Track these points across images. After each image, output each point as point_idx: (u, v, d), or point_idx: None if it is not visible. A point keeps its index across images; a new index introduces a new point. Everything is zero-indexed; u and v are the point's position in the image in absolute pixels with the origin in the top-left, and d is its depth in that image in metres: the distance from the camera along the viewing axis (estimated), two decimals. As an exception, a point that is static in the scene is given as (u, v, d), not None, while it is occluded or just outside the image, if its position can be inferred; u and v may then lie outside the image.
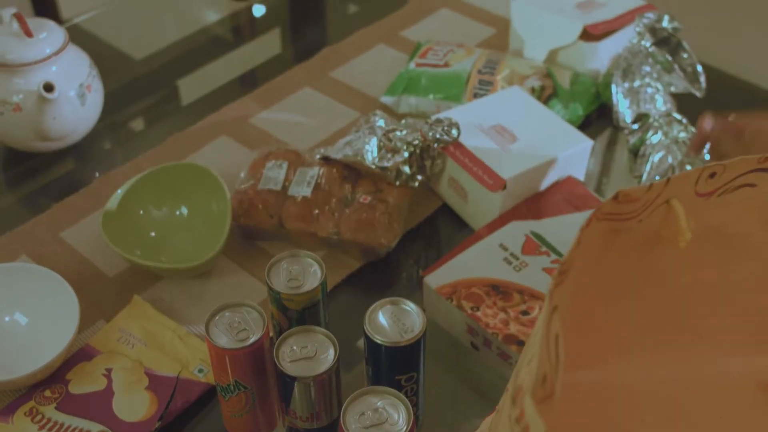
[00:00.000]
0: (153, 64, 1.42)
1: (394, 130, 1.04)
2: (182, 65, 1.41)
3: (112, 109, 1.29)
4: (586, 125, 1.25)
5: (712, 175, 0.59)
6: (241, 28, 1.52)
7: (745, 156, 0.58)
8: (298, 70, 1.33)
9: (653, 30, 1.19)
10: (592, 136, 1.23)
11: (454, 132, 1.04)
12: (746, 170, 0.59)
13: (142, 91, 1.36)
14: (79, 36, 1.45)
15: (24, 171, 1.21)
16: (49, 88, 1.11)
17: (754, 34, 2.83)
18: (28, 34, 1.15)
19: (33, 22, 1.17)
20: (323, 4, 1.57)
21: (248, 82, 1.36)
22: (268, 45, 1.46)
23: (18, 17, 1.15)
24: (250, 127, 1.23)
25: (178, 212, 1.07)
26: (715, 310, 0.64)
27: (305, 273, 0.84)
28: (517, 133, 1.07)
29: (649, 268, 0.62)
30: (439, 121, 1.04)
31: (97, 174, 1.20)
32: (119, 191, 1.04)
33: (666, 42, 1.20)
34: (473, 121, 1.08)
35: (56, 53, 1.15)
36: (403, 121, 1.07)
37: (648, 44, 1.19)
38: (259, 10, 1.54)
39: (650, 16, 1.20)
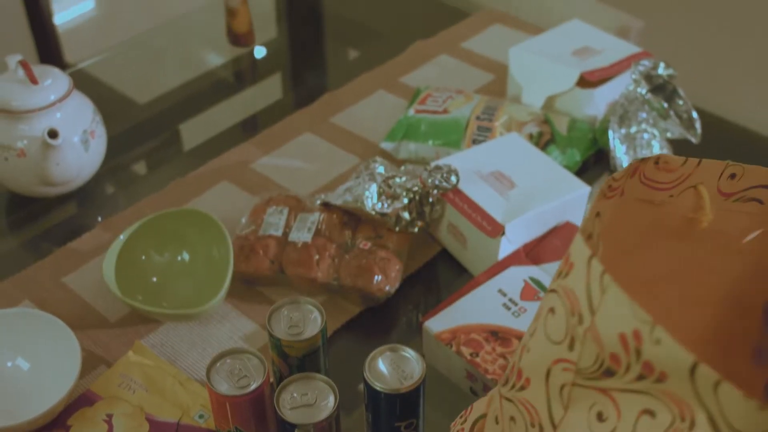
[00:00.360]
0: (156, 108, 1.44)
1: (393, 177, 1.06)
2: (184, 109, 1.43)
3: (114, 153, 1.30)
4: (583, 170, 1.26)
5: (732, 176, 0.61)
6: (242, 73, 1.54)
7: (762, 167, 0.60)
8: (298, 116, 1.35)
9: (649, 77, 1.21)
10: (590, 180, 1.24)
11: (453, 179, 1.05)
12: (758, 183, 0.61)
13: (145, 135, 1.37)
14: (83, 81, 1.47)
15: (26, 215, 1.22)
16: (53, 134, 1.12)
17: (748, 79, 2.86)
18: (33, 81, 1.16)
19: (38, 69, 1.19)
20: (323, 49, 1.59)
21: (250, 127, 1.37)
22: (269, 90, 1.48)
23: (23, 65, 1.17)
24: (251, 172, 1.24)
25: (179, 257, 1.08)
26: None
27: (305, 320, 0.85)
28: (515, 180, 1.08)
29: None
30: (438, 167, 1.05)
31: (99, 218, 1.21)
32: (121, 237, 1.05)
33: (662, 89, 1.22)
34: (472, 168, 1.09)
35: (61, 100, 1.17)
36: (403, 168, 1.08)
37: (644, 91, 1.20)
38: (260, 54, 1.56)
39: (646, 63, 1.21)
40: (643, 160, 0.63)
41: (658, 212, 0.66)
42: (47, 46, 2.64)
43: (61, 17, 3.18)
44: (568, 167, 1.22)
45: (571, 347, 0.55)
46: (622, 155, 1.23)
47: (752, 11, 3.23)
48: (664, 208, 0.65)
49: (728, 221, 0.66)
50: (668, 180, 0.64)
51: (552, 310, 0.59)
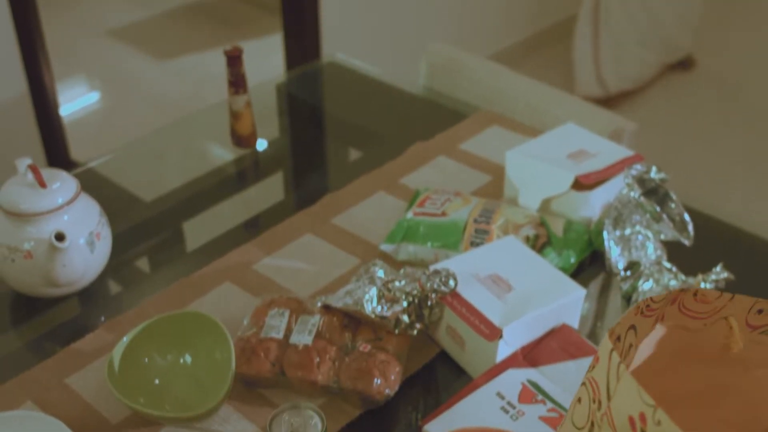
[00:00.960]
0: (160, 207, 1.47)
1: (393, 280, 1.08)
2: (189, 208, 1.46)
3: (119, 251, 1.32)
4: (579, 271, 1.28)
5: (760, 311, 0.67)
6: (245, 173, 1.58)
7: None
8: (300, 217, 1.38)
9: (642, 181, 1.24)
10: (586, 281, 1.27)
11: (452, 282, 1.07)
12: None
13: (150, 234, 1.40)
14: (91, 179, 1.51)
15: (31, 315, 1.24)
16: (60, 237, 1.15)
17: (739, 181, 2.91)
18: (42, 184, 1.20)
19: (47, 172, 1.22)
20: (324, 150, 1.63)
21: (252, 227, 1.40)
22: (272, 190, 1.51)
23: (33, 169, 1.20)
24: (253, 273, 1.26)
25: (182, 360, 1.09)
26: None
27: (306, 425, 0.86)
28: (512, 283, 1.10)
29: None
30: (437, 272, 1.07)
31: (102, 319, 1.23)
32: (125, 339, 1.07)
33: (654, 192, 1.25)
34: (470, 271, 1.11)
35: (68, 203, 1.20)
36: (402, 271, 1.11)
37: (637, 195, 1.23)
38: (262, 154, 1.60)
39: (638, 167, 1.25)
40: (684, 290, 0.72)
41: (693, 338, 0.74)
42: (53, 139, 2.69)
43: (67, 108, 3.24)
44: (563, 269, 1.24)
45: None
46: (617, 257, 1.25)
47: (738, 116, 3.31)
48: (698, 335, 0.74)
49: (755, 351, 0.73)
50: (704, 310, 0.73)
51: (579, 400, 0.67)
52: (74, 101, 3.42)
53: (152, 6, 4.10)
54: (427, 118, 1.69)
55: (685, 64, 3.55)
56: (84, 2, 4.14)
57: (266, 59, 3.33)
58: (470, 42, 3.29)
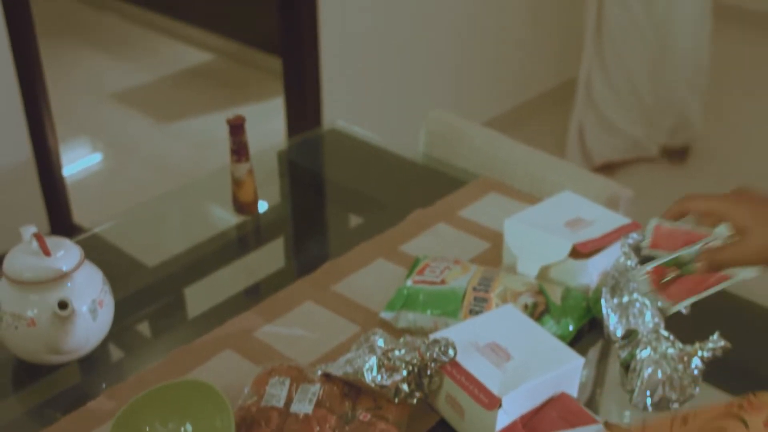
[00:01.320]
0: (162, 272, 1.49)
1: (393, 349, 1.09)
2: (190, 274, 1.48)
3: (121, 316, 1.33)
4: (578, 338, 1.29)
5: (685, 421, 0.64)
6: (246, 239, 1.60)
7: (713, 404, 0.64)
8: (301, 284, 1.39)
9: (638, 249, 1.26)
10: (585, 348, 1.27)
11: (451, 352, 1.08)
12: (715, 416, 0.64)
13: (151, 300, 1.41)
14: (94, 244, 1.52)
15: (32, 382, 1.24)
16: (63, 305, 1.16)
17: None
18: (46, 253, 1.21)
19: (51, 241, 1.24)
20: (325, 217, 1.65)
21: (253, 294, 1.42)
22: (273, 257, 1.53)
23: (37, 237, 1.22)
24: (254, 341, 1.27)
25: (182, 429, 1.10)
26: None
27: (306, 497, 0.86)
28: (511, 351, 1.11)
29: None
30: (436, 341, 1.08)
31: (103, 386, 1.23)
32: (125, 408, 1.07)
33: (650, 260, 1.26)
34: (469, 339, 1.12)
35: (72, 271, 1.21)
36: (402, 340, 1.12)
37: (633, 263, 1.25)
38: (264, 220, 1.62)
39: (634, 236, 1.26)
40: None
41: None
42: (57, 202, 2.72)
43: (69, 169, 3.27)
44: (562, 337, 1.25)
45: None
46: (615, 324, 1.26)
47: (734, 183, 3.34)
48: None
49: None
50: None
51: None
52: (76, 162, 3.46)
53: (155, 70, 4.16)
54: (427, 185, 1.71)
55: (681, 154, 3.53)
56: (87, 65, 4.20)
57: (268, 122, 3.38)
58: (469, 107, 3.34)
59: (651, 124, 3.41)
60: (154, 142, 3.60)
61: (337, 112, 2.80)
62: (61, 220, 2.72)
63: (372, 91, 2.98)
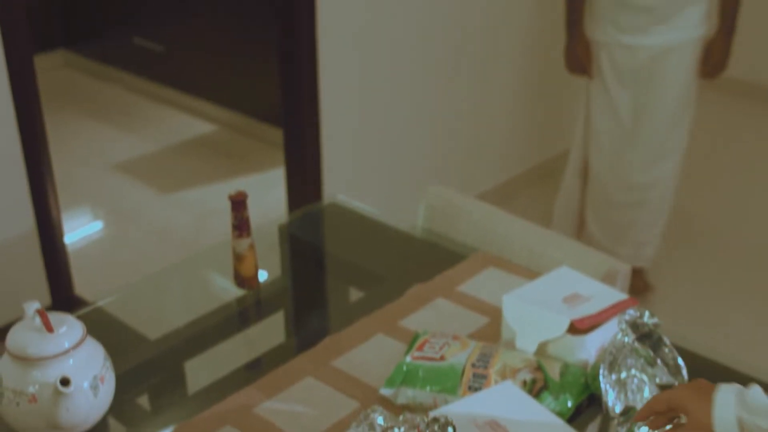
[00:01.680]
0: (164, 345, 1.50)
1: (392, 427, 1.09)
2: (191, 347, 1.49)
3: (123, 391, 1.33)
4: (578, 413, 1.29)
5: None
6: (247, 313, 1.61)
7: None
8: (301, 359, 1.40)
9: (635, 326, 1.27)
10: (584, 424, 1.28)
11: (450, 430, 1.08)
12: None
13: (153, 374, 1.42)
14: (97, 318, 1.54)
15: (32, 458, 1.24)
16: (65, 382, 1.17)
17: (733, 322, 2.94)
18: (49, 329, 1.23)
19: (54, 316, 1.25)
20: (325, 290, 1.67)
21: (253, 369, 1.42)
22: (273, 331, 1.54)
23: (40, 313, 1.23)
24: (254, 417, 1.28)
25: (182, 507, 1.10)
26: None
27: None
28: (510, 429, 1.12)
29: None
30: (435, 419, 1.09)
31: (102, 464, 1.23)
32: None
33: (648, 336, 1.28)
34: (468, 417, 1.13)
35: (74, 347, 1.23)
36: (401, 417, 1.12)
37: (631, 340, 1.26)
38: (264, 295, 1.63)
39: (631, 312, 1.28)
40: None
41: None
42: (58, 273, 2.73)
43: (70, 237, 3.29)
44: (561, 413, 1.25)
45: None
46: (613, 400, 1.27)
47: (731, 257, 3.36)
48: None
49: None
50: None
51: None
52: (78, 231, 3.48)
53: (157, 140, 4.20)
54: (426, 259, 1.73)
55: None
56: (90, 135, 4.25)
57: (269, 192, 3.40)
58: (466, 180, 3.40)
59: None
60: (155, 212, 3.62)
61: (337, 184, 2.84)
62: (62, 291, 2.73)
63: (371, 164, 3.02)
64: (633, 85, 2.77)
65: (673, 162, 2.90)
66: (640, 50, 2.70)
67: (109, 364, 1.28)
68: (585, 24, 2.80)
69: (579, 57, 2.83)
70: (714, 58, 2.74)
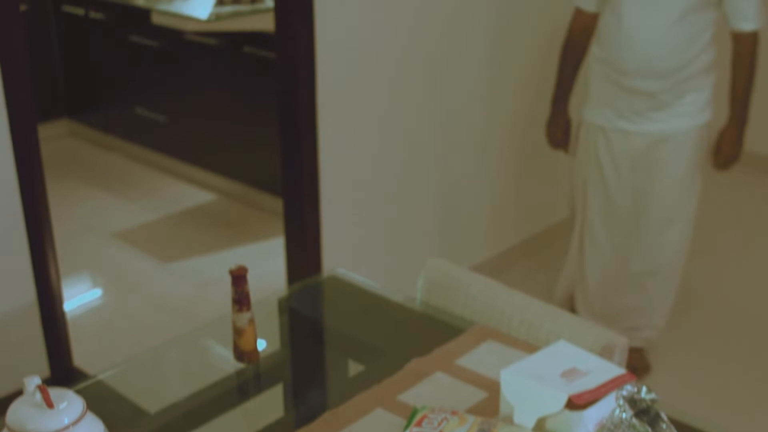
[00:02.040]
0: (164, 419, 1.50)
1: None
2: (191, 421, 1.49)
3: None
4: (576, 491, 1.29)
5: None
6: (246, 386, 1.61)
7: None
8: (300, 436, 1.40)
9: (633, 401, 1.28)
10: (583, 499, 1.27)
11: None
12: None
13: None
14: (97, 391, 1.54)
15: None
16: (65, 460, 1.17)
17: (732, 395, 2.93)
18: (50, 405, 1.23)
19: (54, 392, 1.26)
20: (324, 364, 1.67)
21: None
22: (272, 404, 1.55)
23: (41, 389, 1.24)
24: (253, 495, 1.28)
25: None
26: None
27: None
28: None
29: None
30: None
31: None
32: None
33: (645, 412, 1.28)
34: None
35: (74, 423, 1.23)
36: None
37: (628, 416, 1.26)
38: (263, 369, 1.64)
39: (629, 388, 1.28)
40: None
41: None
42: (58, 344, 2.73)
43: (69, 305, 3.29)
44: (560, 490, 1.25)
45: None
46: (612, 479, 1.27)
47: (731, 332, 3.36)
48: None
49: None
50: None
51: None
52: (77, 299, 3.48)
53: (157, 209, 4.23)
54: (425, 332, 1.74)
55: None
56: (90, 204, 4.29)
57: (269, 261, 3.42)
58: (466, 250, 3.42)
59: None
60: (155, 281, 3.64)
61: (337, 254, 2.85)
62: (61, 362, 2.73)
63: (370, 235, 3.05)
64: (631, 173, 2.71)
65: (675, 252, 2.82)
66: (637, 137, 2.64)
67: (108, 440, 1.29)
68: (583, 108, 2.79)
69: (558, 133, 2.82)
70: (725, 150, 2.65)
